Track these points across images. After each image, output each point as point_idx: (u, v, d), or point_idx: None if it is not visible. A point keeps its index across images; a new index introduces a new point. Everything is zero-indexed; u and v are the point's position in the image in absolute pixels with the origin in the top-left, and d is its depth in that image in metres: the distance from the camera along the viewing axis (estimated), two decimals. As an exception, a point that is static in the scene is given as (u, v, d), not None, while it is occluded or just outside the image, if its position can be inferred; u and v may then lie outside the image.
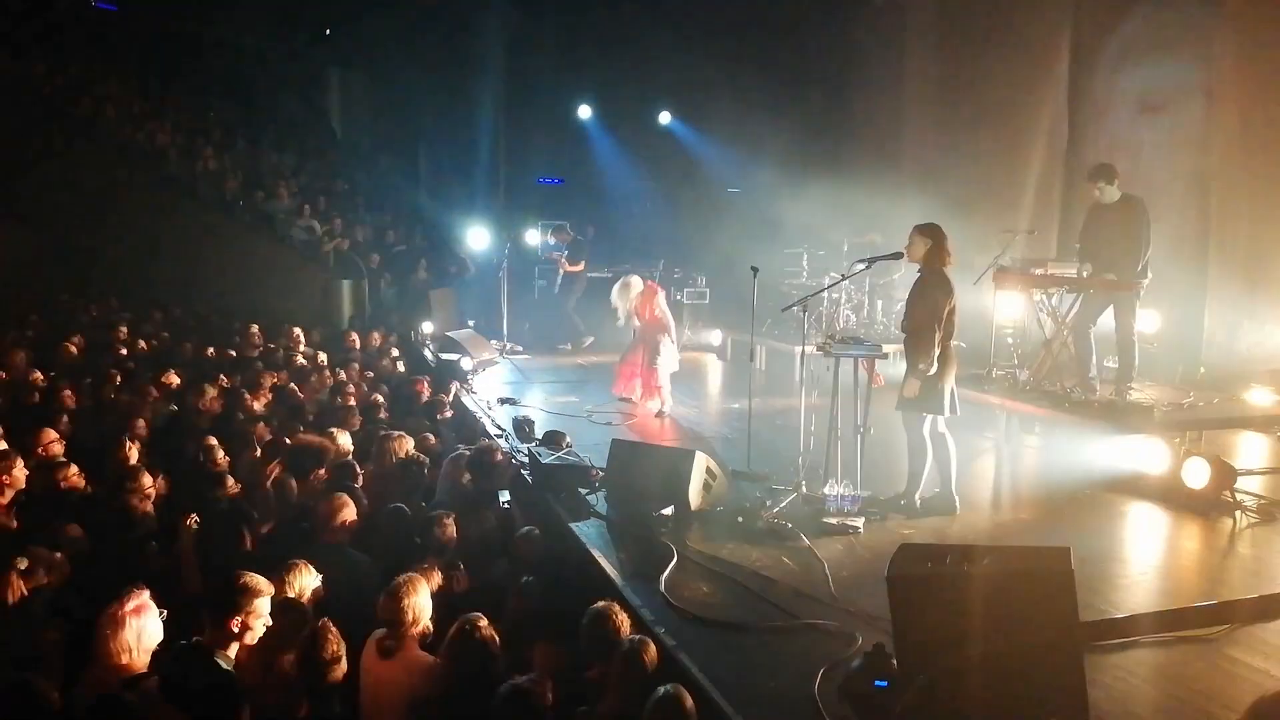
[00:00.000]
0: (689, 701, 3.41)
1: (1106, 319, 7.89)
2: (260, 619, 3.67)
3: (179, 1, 19.94)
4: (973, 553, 3.77)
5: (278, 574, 4.09)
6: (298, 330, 11.45)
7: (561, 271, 13.38)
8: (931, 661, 3.54)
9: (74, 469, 5.65)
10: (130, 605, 3.57)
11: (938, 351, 5.94)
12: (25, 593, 4.05)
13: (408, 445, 6.56)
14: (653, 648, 3.79)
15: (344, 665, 3.76)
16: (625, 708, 3.56)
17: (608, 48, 16.63)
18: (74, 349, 9.72)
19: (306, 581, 4.21)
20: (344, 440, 6.68)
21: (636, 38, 16.12)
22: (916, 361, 5.98)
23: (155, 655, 3.57)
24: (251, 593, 3.67)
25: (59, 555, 4.38)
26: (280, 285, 14.82)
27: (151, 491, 5.43)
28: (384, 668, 3.98)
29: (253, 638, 3.66)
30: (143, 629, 3.57)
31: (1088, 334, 7.96)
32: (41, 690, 3.20)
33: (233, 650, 3.62)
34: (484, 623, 3.91)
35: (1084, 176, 8.00)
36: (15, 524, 5.01)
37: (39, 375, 8.21)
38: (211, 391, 7.81)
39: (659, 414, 9.22)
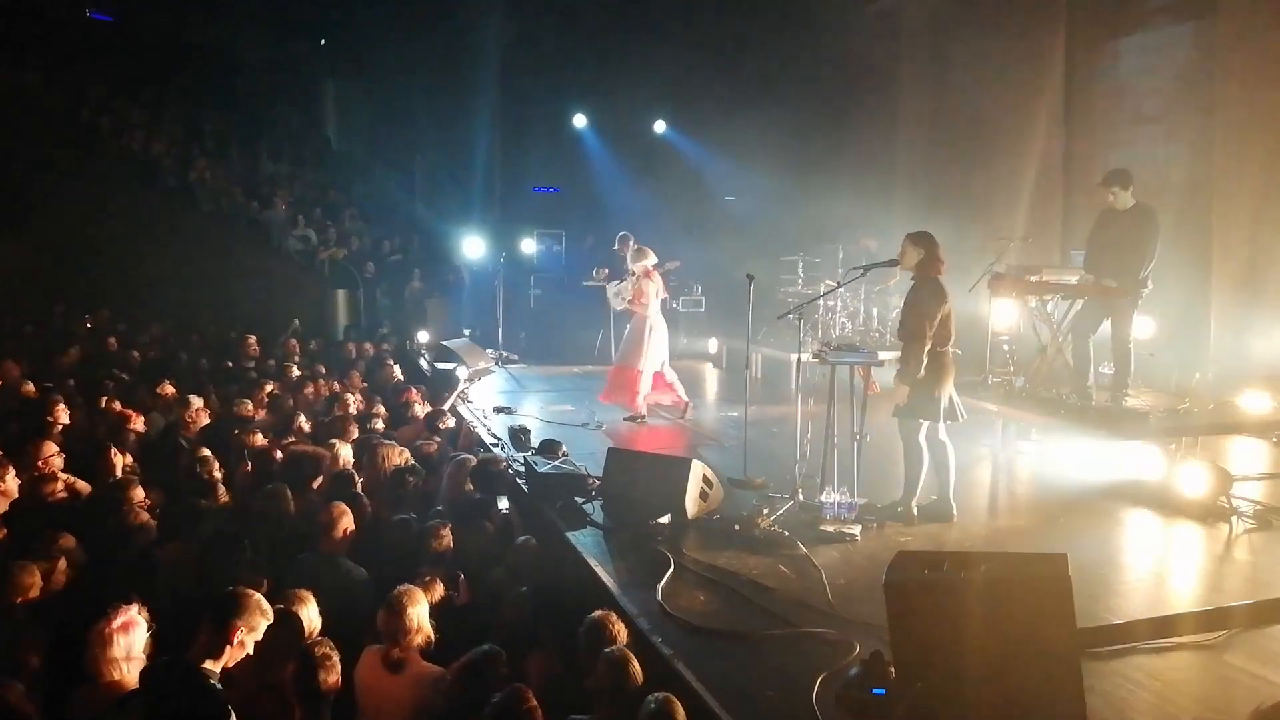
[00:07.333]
0: (680, 712, 3.39)
1: (1106, 325, 7.89)
2: (255, 634, 3.64)
3: (175, 11, 19.98)
4: (970, 559, 3.77)
5: (281, 602, 4.02)
6: (294, 342, 11.47)
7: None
8: (929, 669, 3.53)
9: (68, 480, 5.63)
10: (118, 621, 3.55)
11: (926, 359, 5.92)
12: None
13: (402, 455, 6.53)
14: (634, 660, 3.77)
15: (338, 677, 3.74)
16: (618, 717, 3.55)
17: (603, 57, 16.66)
18: (70, 360, 9.71)
19: (309, 612, 4.10)
20: (344, 451, 6.66)
21: (632, 47, 16.15)
22: (904, 367, 5.97)
23: (142, 672, 3.55)
24: (254, 606, 3.65)
25: (55, 565, 4.36)
26: (276, 295, 14.81)
27: (146, 504, 5.41)
28: (391, 682, 3.96)
29: (244, 651, 3.63)
30: (131, 645, 3.55)
31: (1087, 341, 7.96)
32: (16, 703, 3.19)
33: (222, 663, 3.59)
34: (504, 659, 3.89)
35: (1098, 181, 7.92)
36: (6, 534, 4.99)
37: (34, 387, 8.20)
38: (205, 403, 7.79)
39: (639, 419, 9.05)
